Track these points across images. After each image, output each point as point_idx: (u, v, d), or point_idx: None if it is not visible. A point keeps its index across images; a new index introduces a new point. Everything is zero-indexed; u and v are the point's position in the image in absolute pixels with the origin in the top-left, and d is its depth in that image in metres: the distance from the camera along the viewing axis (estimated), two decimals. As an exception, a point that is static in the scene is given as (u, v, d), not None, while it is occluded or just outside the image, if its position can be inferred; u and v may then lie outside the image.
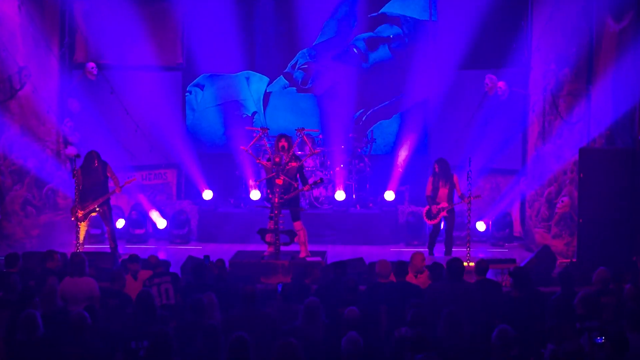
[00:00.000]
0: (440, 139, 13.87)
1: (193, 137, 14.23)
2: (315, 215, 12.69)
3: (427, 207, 10.87)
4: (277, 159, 9.83)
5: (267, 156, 10.45)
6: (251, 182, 13.08)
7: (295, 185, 10.00)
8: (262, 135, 10.25)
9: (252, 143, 10.54)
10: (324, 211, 12.98)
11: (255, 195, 12.97)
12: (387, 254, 11.28)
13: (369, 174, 13.56)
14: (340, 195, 12.90)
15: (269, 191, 10.09)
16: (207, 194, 13.22)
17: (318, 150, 11.37)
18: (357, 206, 13.24)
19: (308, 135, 12.40)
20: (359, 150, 13.59)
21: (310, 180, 10.52)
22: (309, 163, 12.97)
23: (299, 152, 12.50)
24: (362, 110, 14.11)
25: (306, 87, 14.17)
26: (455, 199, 10.79)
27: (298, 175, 10.18)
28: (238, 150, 12.19)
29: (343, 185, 13.02)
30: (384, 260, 7.71)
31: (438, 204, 10.72)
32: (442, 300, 6.69)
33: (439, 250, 11.05)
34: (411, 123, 13.77)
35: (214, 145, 14.45)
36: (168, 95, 13.59)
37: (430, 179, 10.84)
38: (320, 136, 13.46)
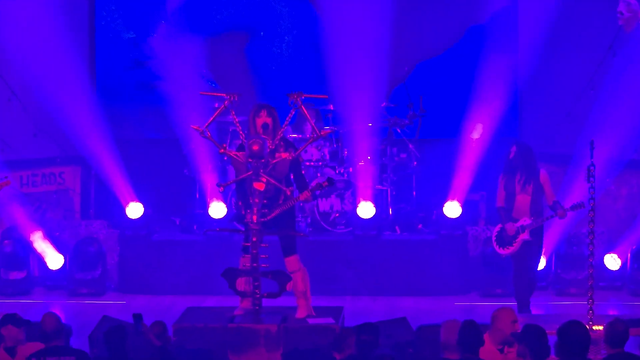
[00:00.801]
0: (540, 108, 13.90)
1: (109, 110, 14.28)
2: (323, 245, 12.80)
3: (498, 227, 10.93)
4: (255, 147, 9.86)
5: (239, 142, 10.48)
6: (210, 187, 13.15)
7: (288, 193, 10.03)
8: (229, 106, 10.27)
9: (211, 119, 10.51)
10: (338, 237, 13.07)
11: (217, 210, 13.06)
12: (452, 311, 11.33)
13: (417, 171, 13.63)
14: (366, 210, 12.95)
15: (241, 203, 10.13)
16: (135, 210, 13.29)
17: (327, 130, 11.39)
18: (397, 228, 13.33)
19: (309, 104, 12.43)
20: (399, 130, 13.64)
21: (313, 184, 10.55)
22: (312, 154, 13.03)
23: (294, 135, 12.53)
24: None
25: None
26: (546, 211, 10.81)
27: (292, 176, 10.21)
28: (187, 131, 12.23)
29: (371, 193, 13.08)
30: (454, 320, 7.72)
31: (516, 220, 10.77)
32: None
33: (537, 302, 11.05)
34: (488, 76, 13.70)
35: (144, 123, 14.56)
36: (65, 34, 13.61)
37: (502, 180, 10.89)
38: (331, 106, 13.50)
